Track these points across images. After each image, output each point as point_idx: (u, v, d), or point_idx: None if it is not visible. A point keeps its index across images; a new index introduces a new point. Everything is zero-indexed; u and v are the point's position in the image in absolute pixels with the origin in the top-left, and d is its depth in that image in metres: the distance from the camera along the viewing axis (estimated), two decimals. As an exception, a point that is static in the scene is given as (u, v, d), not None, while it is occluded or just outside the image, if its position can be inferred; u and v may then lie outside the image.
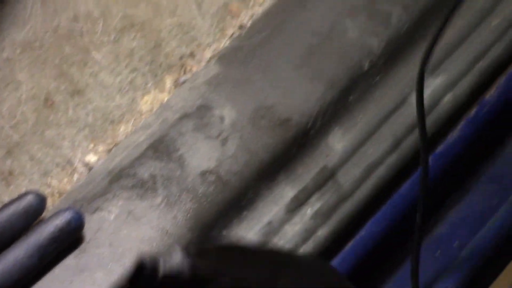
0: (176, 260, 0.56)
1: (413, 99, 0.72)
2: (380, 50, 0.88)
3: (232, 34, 0.89)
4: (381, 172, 0.80)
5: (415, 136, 0.79)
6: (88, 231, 0.77)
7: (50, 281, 0.75)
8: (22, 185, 0.77)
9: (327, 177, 0.77)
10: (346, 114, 0.80)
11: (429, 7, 0.91)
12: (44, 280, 0.74)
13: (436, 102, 0.81)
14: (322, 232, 0.78)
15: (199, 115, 0.80)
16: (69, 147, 0.79)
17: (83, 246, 0.76)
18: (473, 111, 0.85)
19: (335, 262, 0.82)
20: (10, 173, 0.78)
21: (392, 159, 0.80)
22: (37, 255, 0.74)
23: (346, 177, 0.78)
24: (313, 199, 0.78)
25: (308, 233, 0.77)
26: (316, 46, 0.85)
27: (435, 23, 0.86)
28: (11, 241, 0.73)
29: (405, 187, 0.82)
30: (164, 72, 0.86)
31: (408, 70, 0.86)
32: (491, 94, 0.89)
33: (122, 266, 0.75)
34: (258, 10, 0.89)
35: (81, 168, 0.77)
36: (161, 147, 0.78)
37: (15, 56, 0.82)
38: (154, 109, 0.83)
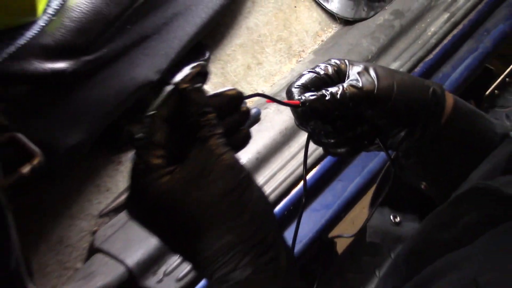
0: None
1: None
2: (387, 40, 1.44)
3: (319, 43, 1.51)
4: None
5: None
6: (263, 117, 1.29)
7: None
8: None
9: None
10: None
11: (414, 18, 1.49)
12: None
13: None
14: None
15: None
16: (255, 85, 1.41)
17: (260, 123, 1.27)
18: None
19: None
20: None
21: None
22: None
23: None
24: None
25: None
26: (353, 46, 1.45)
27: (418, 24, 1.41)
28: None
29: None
30: (292, 56, 1.48)
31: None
32: (416, 70, 1.46)
33: (273, 130, 1.27)
34: (329, 34, 1.53)
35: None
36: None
37: (235, 50, 1.45)
38: (288, 71, 1.45)
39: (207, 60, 1.42)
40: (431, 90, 0.83)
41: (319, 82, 0.83)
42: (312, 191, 1.30)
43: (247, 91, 1.41)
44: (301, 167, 1.29)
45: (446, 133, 0.85)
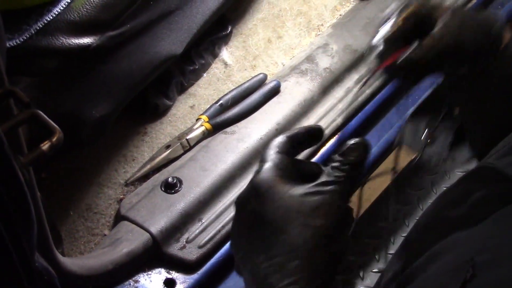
0: None
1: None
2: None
3: (337, 17, 1.51)
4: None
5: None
6: (282, 89, 1.29)
7: (264, 109, 1.26)
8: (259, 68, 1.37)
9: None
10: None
11: None
12: (264, 108, 1.26)
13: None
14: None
15: (324, 47, 1.39)
16: (275, 57, 1.41)
17: (279, 94, 1.28)
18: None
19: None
20: (253, 67, 1.39)
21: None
22: (263, 98, 1.29)
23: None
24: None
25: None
26: (371, 20, 1.44)
27: None
28: (250, 93, 1.30)
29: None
30: (311, 30, 1.48)
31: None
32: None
33: (293, 101, 1.26)
34: (347, 9, 1.52)
35: (280, 66, 1.39)
36: (310, 58, 1.36)
37: (256, 24, 1.47)
38: (307, 45, 1.44)
39: (229, 34, 1.42)
40: (494, 30, 0.82)
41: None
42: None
43: (267, 63, 1.41)
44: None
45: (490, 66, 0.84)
